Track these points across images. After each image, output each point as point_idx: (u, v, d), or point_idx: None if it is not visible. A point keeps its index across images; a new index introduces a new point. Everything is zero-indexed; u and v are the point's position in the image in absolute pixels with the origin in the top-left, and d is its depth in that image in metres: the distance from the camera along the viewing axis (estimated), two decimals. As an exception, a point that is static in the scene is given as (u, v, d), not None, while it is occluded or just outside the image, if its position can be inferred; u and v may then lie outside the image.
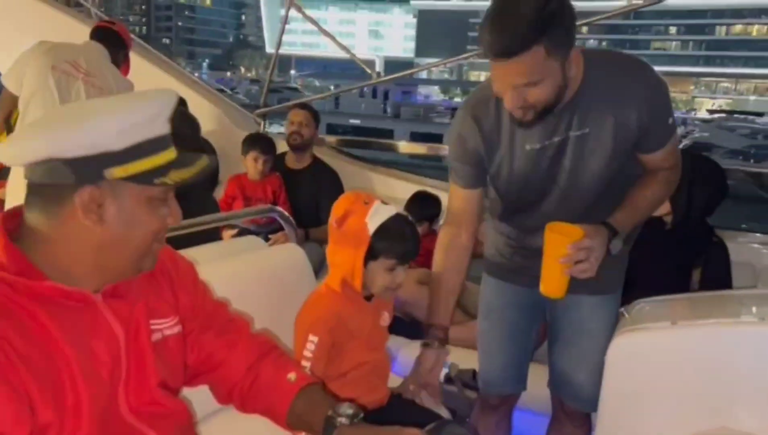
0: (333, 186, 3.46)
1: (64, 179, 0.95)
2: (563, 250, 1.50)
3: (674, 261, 2.31)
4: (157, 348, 1.13)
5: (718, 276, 2.29)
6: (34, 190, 0.99)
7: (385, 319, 1.72)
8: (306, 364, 1.54)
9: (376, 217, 1.56)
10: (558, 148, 1.60)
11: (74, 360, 0.99)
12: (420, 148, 4.43)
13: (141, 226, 1.02)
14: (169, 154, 1.01)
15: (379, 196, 3.77)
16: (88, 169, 0.95)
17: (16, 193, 2.97)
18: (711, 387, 1.45)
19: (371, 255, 1.57)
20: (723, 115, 33.16)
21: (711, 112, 40.38)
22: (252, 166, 3.33)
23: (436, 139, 22.12)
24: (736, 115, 30.88)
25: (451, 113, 31.87)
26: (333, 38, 4.33)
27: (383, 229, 1.55)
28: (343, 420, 1.13)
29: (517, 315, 1.86)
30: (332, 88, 35.75)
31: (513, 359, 1.89)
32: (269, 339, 1.36)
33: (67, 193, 0.96)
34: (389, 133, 22.12)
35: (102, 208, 0.98)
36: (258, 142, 3.40)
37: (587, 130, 1.57)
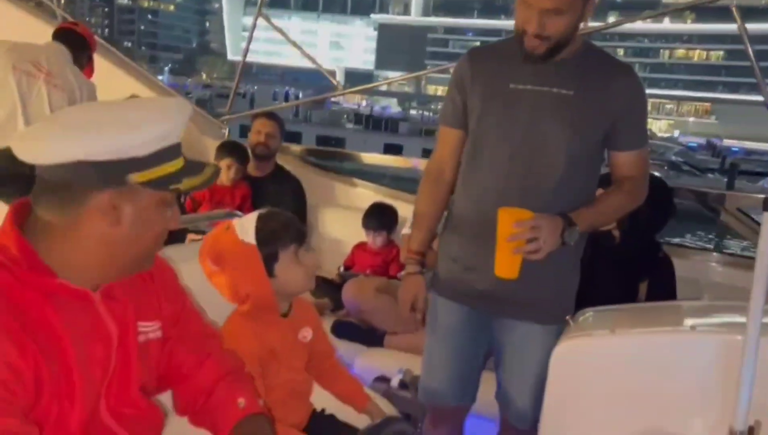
0: (296, 194, 3.45)
1: (88, 181, 0.97)
2: (511, 228, 1.55)
3: (621, 275, 2.34)
4: (141, 350, 1.14)
5: (663, 290, 2.33)
6: (50, 187, 0.99)
7: (306, 335, 1.62)
8: None
9: (246, 230, 1.47)
10: (537, 98, 1.66)
11: (74, 357, 1.00)
12: (385, 160, 4.42)
13: (151, 228, 1.05)
14: (180, 162, 1.05)
15: (342, 205, 3.77)
16: (113, 173, 0.97)
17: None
18: (647, 392, 1.48)
19: (271, 260, 1.48)
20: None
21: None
22: (224, 172, 3.30)
23: (339, 142, 22.43)
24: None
25: (356, 118, 33.02)
26: (301, 49, 4.34)
27: (261, 231, 1.47)
28: None
29: (464, 334, 1.84)
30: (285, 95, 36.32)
31: (458, 375, 1.88)
32: (235, 359, 1.36)
33: (86, 194, 0.98)
34: (297, 136, 22.33)
35: (118, 211, 1.00)
36: (234, 151, 3.36)
37: (571, 93, 1.65)
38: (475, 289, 1.76)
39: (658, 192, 2.39)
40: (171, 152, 1.02)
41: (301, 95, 34.86)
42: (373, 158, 4.36)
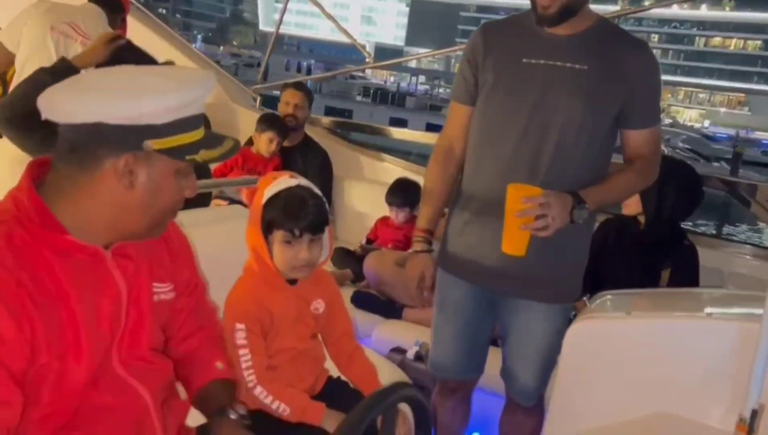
0: (322, 165, 3.47)
1: (105, 143, 0.99)
2: (520, 204, 1.53)
3: (644, 261, 2.31)
4: (156, 307, 1.17)
5: (686, 278, 2.29)
6: (70, 146, 1.01)
7: (318, 307, 1.60)
8: (244, 352, 1.46)
9: (273, 189, 1.47)
10: (551, 72, 1.63)
11: (80, 312, 1.02)
12: (414, 136, 4.38)
13: (164, 195, 1.06)
14: (200, 133, 1.06)
15: (368, 179, 3.78)
16: (130, 137, 0.98)
17: (10, 150, 2.95)
18: (658, 375, 1.49)
19: (267, 229, 1.47)
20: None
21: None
22: (265, 145, 3.34)
23: (347, 113, 22.74)
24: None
25: (364, 91, 33.39)
26: (336, 22, 4.32)
27: (273, 199, 1.46)
28: (232, 414, 1.20)
29: (470, 311, 1.83)
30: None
31: (464, 350, 1.87)
32: (222, 328, 1.42)
33: (103, 155, 1.00)
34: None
35: (133, 175, 1.01)
36: (276, 125, 3.38)
37: (585, 67, 1.62)
38: (481, 266, 1.75)
39: (687, 180, 2.35)
40: (190, 122, 1.02)
41: (313, 67, 35.49)
42: (402, 133, 4.33)
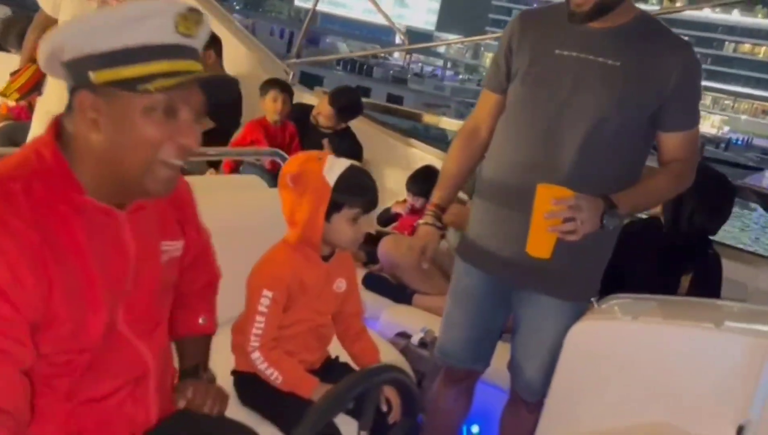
0: (352, 148, 3.41)
1: (69, 82, 0.96)
2: (549, 205, 1.45)
3: (664, 264, 2.20)
4: (165, 269, 1.15)
5: (706, 287, 2.18)
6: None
7: (340, 285, 1.64)
8: (260, 319, 1.50)
9: (333, 171, 1.50)
10: (582, 66, 1.56)
11: (96, 270, 1.01)
12: (450, 124, 4.28)
13: (135, 135, 0.96)
14: (162, 66, 0.95)
15: (396, 164, 3.75)
16: (77, 71, 0.95)
17: (46, 105, 2.96)
18: (659, 383, 1.45)
19: (334, 208, 1.51)
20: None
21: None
22: (271, 106, 3.28)
23: (318, 80, 24.23)
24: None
25: (342, 64, 35.26)
26: (376, 4, 4.23)
27: (343, 180, 1.49)
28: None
29: (483, 301, 1.79)
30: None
31: (473, 339, 1.84)
32: (217, 275, 1.38)
33: (73, 97, 0.96)
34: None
35: (97, 114, 0.95)
36: (277, 83, 3.36)
37: (618, 64, 1.54)
38: (498, 256, 1.70)
39: (708, 183, 2.12)
40: (144, 53, 0.93)
41: (294, 35, 39.29)
42: (433, 120, 4.27)
